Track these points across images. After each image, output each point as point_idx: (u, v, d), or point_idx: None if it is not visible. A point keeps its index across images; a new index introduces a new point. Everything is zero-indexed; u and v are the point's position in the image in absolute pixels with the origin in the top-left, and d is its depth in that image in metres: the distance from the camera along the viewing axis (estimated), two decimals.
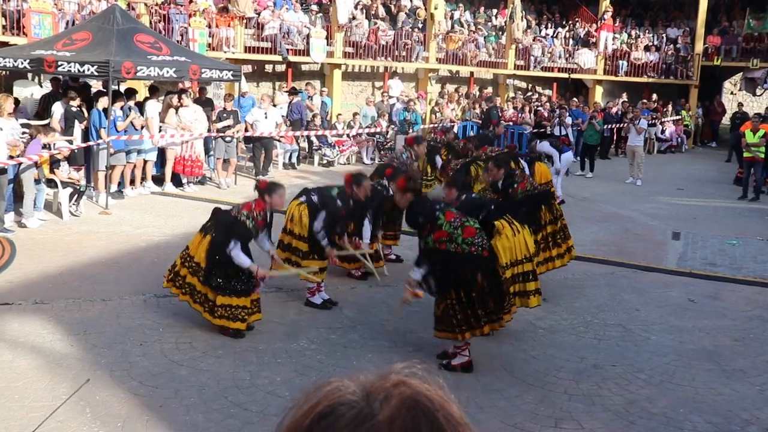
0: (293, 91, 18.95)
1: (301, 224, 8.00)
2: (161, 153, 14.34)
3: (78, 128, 12.66)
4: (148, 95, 14.47)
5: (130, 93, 13.54)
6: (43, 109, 13.68)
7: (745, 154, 17.19)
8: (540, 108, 23.19)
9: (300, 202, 8.12)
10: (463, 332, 6.42)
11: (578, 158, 20.79)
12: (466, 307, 6.36)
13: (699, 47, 27.59)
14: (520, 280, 7.44)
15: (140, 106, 13.80)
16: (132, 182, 13.78)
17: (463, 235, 6.39)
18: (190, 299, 7.19)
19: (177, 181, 14.54)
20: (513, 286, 7.32)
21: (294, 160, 18.11)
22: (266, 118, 15.96)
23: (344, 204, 7.98)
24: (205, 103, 15.64)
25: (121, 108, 13.00)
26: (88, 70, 12.10)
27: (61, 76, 13.83)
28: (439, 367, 6.56)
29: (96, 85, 15.47)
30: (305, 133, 18.11)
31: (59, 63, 12.11)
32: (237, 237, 6.96)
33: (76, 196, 11.81)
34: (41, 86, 15.79)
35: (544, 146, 15.16)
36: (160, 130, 13.94)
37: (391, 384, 0.98)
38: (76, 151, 12.57)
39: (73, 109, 12.70)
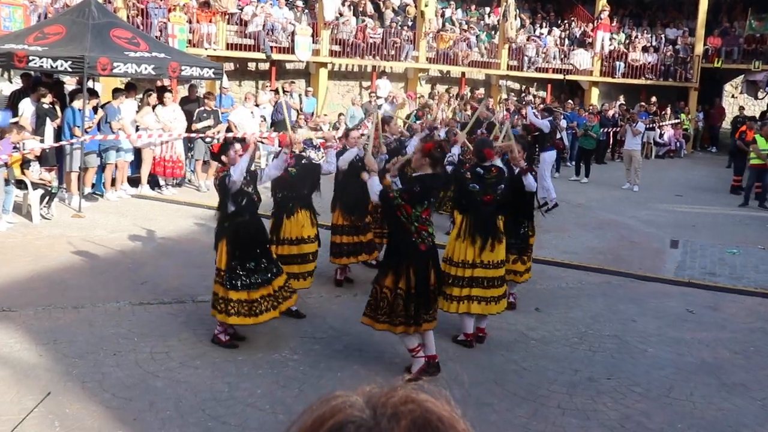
0: (278, 91, 18.86)
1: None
2: (137, 154, 14.27)
3: (49, 127, 12.57)
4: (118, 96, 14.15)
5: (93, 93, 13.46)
6: (13, 106, 13.60)
7: (754, 161, 17.23)
8: (536, 110, 23.24)
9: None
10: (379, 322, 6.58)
11: (573, 163, 20.86)
12: (397, 298, 6.43)
13: (699, 48, 27.77)
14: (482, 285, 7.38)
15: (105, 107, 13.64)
16: (113, 183, 13.68)
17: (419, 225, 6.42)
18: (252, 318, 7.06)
19: (154, 182, 14.47)
20: (468, 289, 7.33)
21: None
22: (252, 117, 15.94)
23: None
24: (194, 102, 15.58)
25: (93, 108, 12.94)
26: (62, 65, 12.05)
27: (32, 72, 13.75)
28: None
29: (70, 82, 15.40)
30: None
31: (31, 58, 12.05)
32: (226, 188, 6.94)
33: (47, 198, 11.74)
34: (11, 82, 15.70)
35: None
36: (137, 130, 13.88)
37: (398, 400, 0.97)
38: (47, 151, 12.49)
39: (45, 106, 12.61)
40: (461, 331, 7.61)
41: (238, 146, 7.41)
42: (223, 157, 7.15)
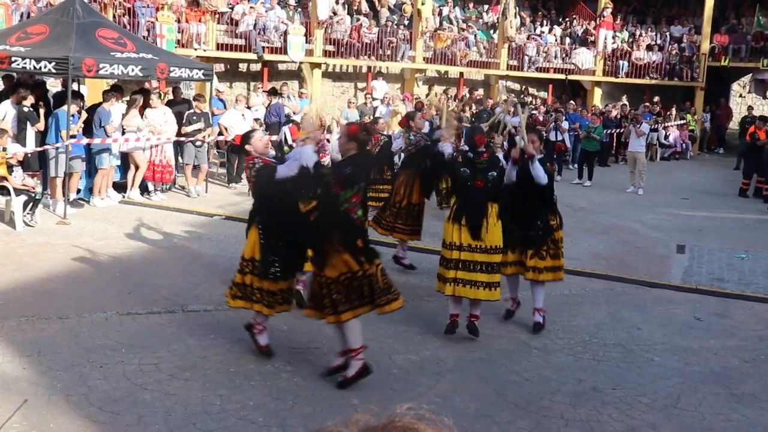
0: (273, 92, 18.82)
1: None
2: (123, 158, 14.26)
3: (31, 131, 12.53)
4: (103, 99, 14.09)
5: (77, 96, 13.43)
6: None
7: None
8: (534, 111, 23.29)
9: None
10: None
11: (576, 166, 20.89)
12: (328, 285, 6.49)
13: (705, 46, 27.86)
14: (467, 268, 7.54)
15: (90, 111, 13.59)
16: (99, 191, 13.63)
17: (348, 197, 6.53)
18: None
19: (142, 188, 14.46)
20: (454, 272, 7.54)
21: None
22: (244, 120, 15.94)
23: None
24: (182, 104, 15.57)
25: (78, 111, 12.91)
26: (45, 67, 12.04)
27: (14, 74, 13.73)
28: (338, 386, 6.54)
29: (54, 84, 15.37)
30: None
31: (13, 59, 12.04)
32: (265, 176, 6.90)
33: (31, 204, 11.71)
34: None
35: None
36: (123, 133, 13.86)
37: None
38: (29, 156, 12.47)
39: (25, 109, 12.55)
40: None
41: (259, 134, 7.52)
42: (247, 146, 7.18)
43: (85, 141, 12.86)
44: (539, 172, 7.87)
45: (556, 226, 8.30)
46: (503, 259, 7.92)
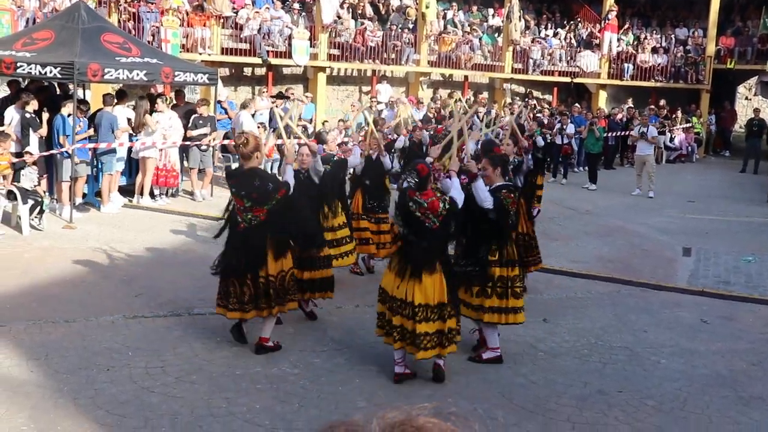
0: (280, 96, 18.79)
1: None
2: (128, 163, 14.30)
3: (33, 137, 12.55)
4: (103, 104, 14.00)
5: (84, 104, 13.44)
6: None
7: None
8: (540, 115, 23.29)
9: None
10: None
11: (581, 168, 20.88)
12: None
13: (711, 49, 27.84)
14: None
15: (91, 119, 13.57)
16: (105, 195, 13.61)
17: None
18: None
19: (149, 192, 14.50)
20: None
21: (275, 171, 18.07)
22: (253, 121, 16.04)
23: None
24: (185, 109, 15.59)
25: (84, 115, 12.93)
26: (51, 72, 12.10)
27: (20, 79, 13.79)
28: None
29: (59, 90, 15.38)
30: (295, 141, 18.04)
31: (18, 64, 12.10)
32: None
33: (37, 208, 11.76)
34: None
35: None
36: (130, 138, 13.88)
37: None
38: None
39: (27, 115, 12.53)
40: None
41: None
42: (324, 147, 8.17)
43: (90, 145, 12.89)
44: (481, 194, 6.97)
45: (496, 261, 7.26)
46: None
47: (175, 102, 16.07)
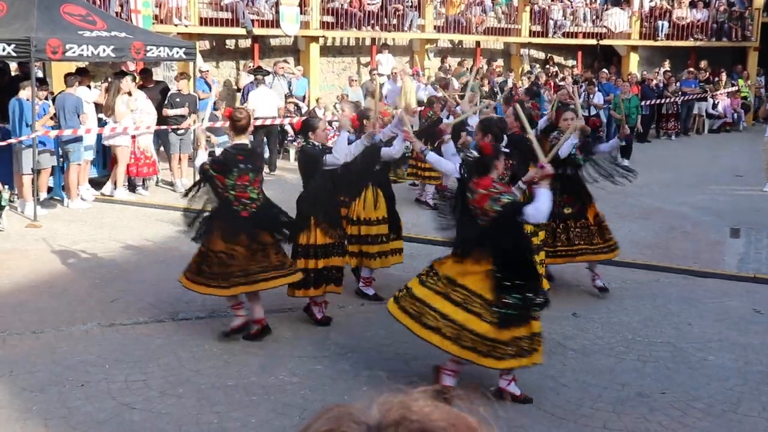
0: (259, 71, 18.62)
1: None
2: (100, 152, 14.32)
3: None
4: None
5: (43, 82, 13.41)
6: None
7: None
8: (562, 84, 23.20)
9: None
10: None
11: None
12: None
13: (759, 1, 27.67)
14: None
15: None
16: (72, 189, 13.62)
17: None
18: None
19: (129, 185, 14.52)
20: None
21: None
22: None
23: None
24: (159, 87, 15.51)
25: (46, 98, 12.91)
26: (4, 49, 12.04)
27: None
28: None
29: (14, 70, 15.38)
30: (280, 121, 18.04)
31: None
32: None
33: None
34: None
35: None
36: (102, 124, 13.86)
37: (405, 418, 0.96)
38: None
39: None
40: None
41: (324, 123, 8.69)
42: (310, 134, 8.18)
43: (53, 133, 12.82)
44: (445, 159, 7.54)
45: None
46: None
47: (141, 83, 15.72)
